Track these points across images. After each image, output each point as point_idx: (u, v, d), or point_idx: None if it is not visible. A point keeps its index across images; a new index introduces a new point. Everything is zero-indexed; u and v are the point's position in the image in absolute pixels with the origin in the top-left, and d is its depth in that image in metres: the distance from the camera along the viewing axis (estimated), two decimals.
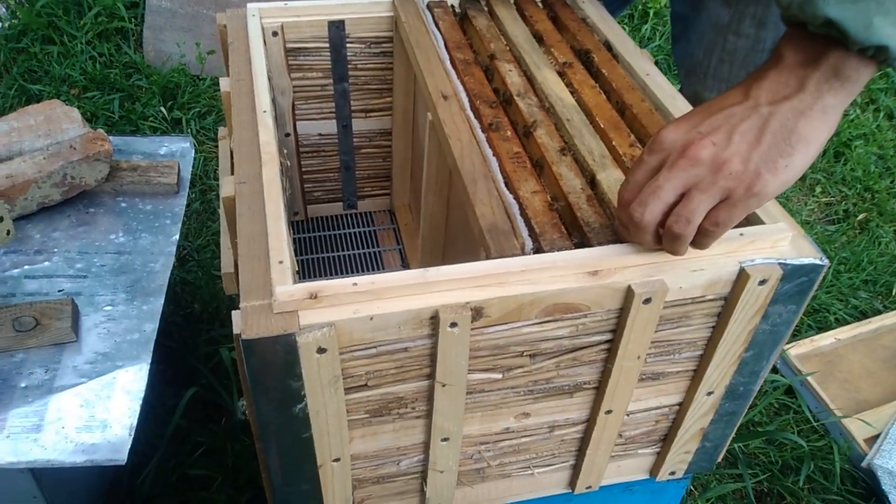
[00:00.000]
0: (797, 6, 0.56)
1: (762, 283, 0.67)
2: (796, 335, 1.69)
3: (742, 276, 0.67)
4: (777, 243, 0.69)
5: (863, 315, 1.76)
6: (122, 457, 0.81)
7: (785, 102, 0.57)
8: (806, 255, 0.68)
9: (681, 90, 1.26)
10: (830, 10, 0.53)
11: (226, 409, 1.37)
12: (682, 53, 1.17)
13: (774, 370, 1.61)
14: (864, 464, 1.43)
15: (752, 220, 0.72)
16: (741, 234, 0.68)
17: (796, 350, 1.62)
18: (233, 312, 0.62)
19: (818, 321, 1.74)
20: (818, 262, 0.68)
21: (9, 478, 0.89)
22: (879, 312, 1.76)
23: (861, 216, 2.05)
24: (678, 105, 0.84)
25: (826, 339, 1.65)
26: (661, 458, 0.88)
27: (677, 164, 0.58)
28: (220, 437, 1.33)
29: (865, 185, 2.14)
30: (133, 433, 0.83)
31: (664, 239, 0.62)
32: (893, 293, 1.83)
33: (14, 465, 0.80)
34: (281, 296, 0.60)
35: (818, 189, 2.14)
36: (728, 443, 0.89)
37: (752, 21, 1.02)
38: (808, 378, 1.56)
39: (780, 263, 0.67)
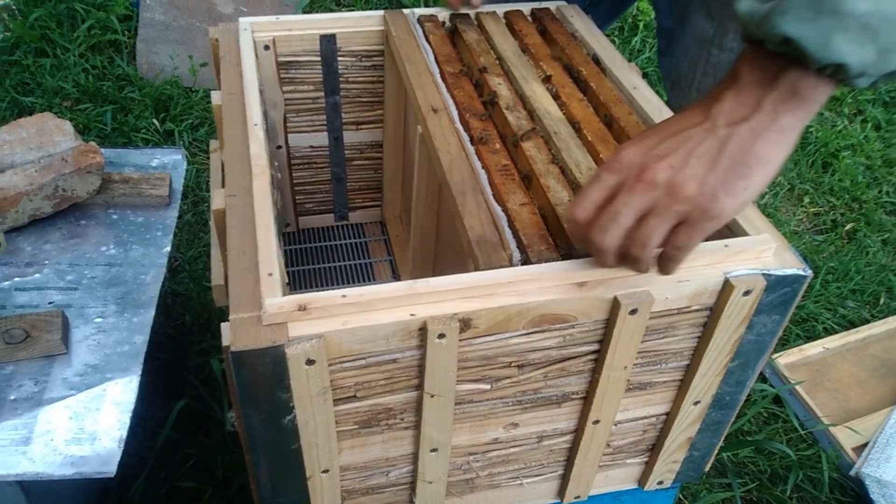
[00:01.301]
0: (755, 24, 0.56)
1: (746, 293, 0.68)
2: (784, 344, 1.70)
3: (727, 287, 0.68)
4: (761, 254, 0.70)
5: (851, 324, 1.78)
6: (111, 469, 0.81)
7: (742, 124, 0.57)
8: (789, 265, 0.69)
9: (667, 103, 1.27)
10: (789, 27, 0.53)
11: (216, 421, 1.37)
12: (667, 66, 1.18)
13: (763, 379, 1.62)
14: (852, 472, 1.43)
15: (736, 231, 0.73)
16: (726, 246, 0.69)
17: (785, 359, 1.63)
18: (222, 324, 0.62)
19: (806, 330, 1.75)
20: (801, 272, 0.69)
21: None
22: (867, 322, 1.77)
23: (849, 226, 2.07)
24: (665, 117, 0.85)
25: (814, 349, 1.67)
26: (649, 467, 0.88)
27: (634, 188, 0.58)
28: (210, 450, 1.33)
29: (853, 196, 2.16)
30: (122, 446, 0.83)
31: (625, 259, 0.62)
32: (881, 303, 1.84)
33: (3, 478, 0.80)
34: (270, 308, 0.61)
35: (806, 199, 2.16)
36: (715, 452, 0.89)
37: (736, 35, 1.04)
38: (797, 387, 1.57)
39: (763, 274, 0.68)
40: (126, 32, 2.31)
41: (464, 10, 1.07)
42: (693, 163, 0.57)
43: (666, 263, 0.62)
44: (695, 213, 0.58)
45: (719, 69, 1.08)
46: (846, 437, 1.48)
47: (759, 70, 0.57)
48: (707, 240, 0.70)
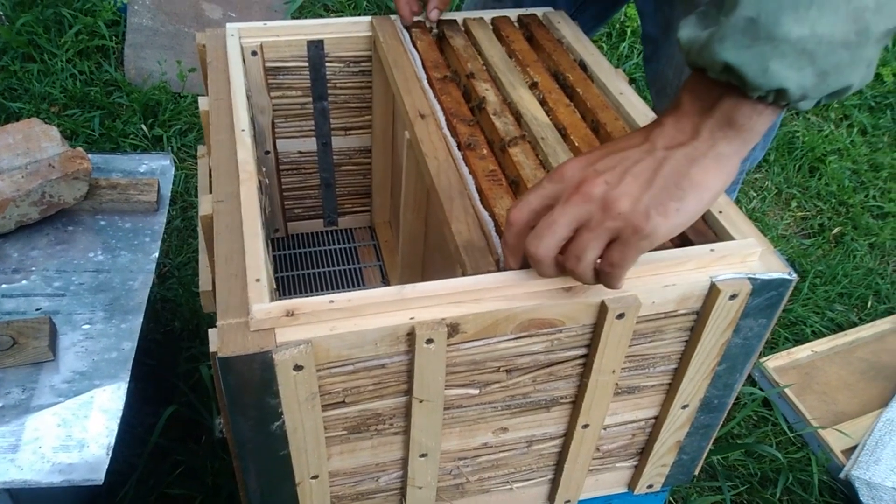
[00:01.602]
0: (696, 51, 0.56)
1: (733, 297, 0.69)
2: (773, 347, 1.71)
3: (713, 291, 0.69)
4: (747, 258, 0.70)
5: (839, 328, 1.79)
6: (99, 477, 0.81)
7: (679, 148, 0.58)
8: (775, 269, 0.70)
9: (653, 109, 1.28)
10: (727, 54, 0.54)
11: (205, 428, 1.37)
12: (652, 74, 1.19)
13: (752, 383, 1.63)
14: (842, 475, 1.44)
15: (721, 236, 0.74)
16: (711, 250, 0.69)
17: (773, 362, 1.64)
18: (209, 330, 0.62)
19: (795, 334, 1.76)
20: (787, 276, 0.70)
21: None
22: (855, 325, 1.79)
23: (836, 230, 2.09)
24: None
25: (803, 352, 1.68)
26: (638, 471, 0.89)
27: (571, 199, 0.59)
28: (199, 456, 1.32)
29: (840, 200, 2.18)
30: (111, 453, 0.82)
31: (563, 272, 0.63)
32: (869, 306, 1.86)
33: None
34: (258, 314, 0.61)
35: (794, 203, 2.17)
36: (704, 455, 0.90)
37: None
38: (786, 390, 1.57)
39: (749, 278, 0.69)
40: (114, 38, 2.31)
41: (419, 19, 1.07)
42: (628, 181, 0.58)
43: (605, 280, 0.62)
44: (626, 230, 0.58)
45: None
46: (835, 440, 1.49)
47: (699, 99, 0.58)
48: (692, 244, 0.71)
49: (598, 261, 0.61)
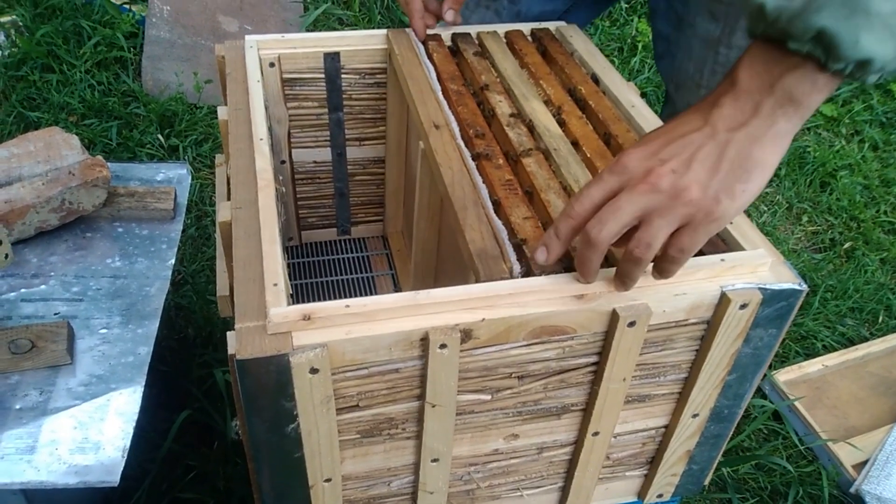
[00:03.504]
0: (785, 20, 0.56)
1: (743, 307, 0.69)
2: (784, 361, 1.71)
3: (724, 301, 0.69)
4: (757, 269, 0.71)
5: (850, 342, 1.79)
6: (114, 478, 0.82)
7: (741, 129, 0.59)
8: (785, 280, 0.71)
9: (664, 106, 1.29)
10: (827, 23, 0.54)
11: (218, 433, 1.38)
12: (668, 69, 1.20)
13: (763, 396, 1.63)
14: (852, 489, 1.44)
15: (732, 246, 0.74)
16: (722, 260, 0.70)
17: (784, 376, 1.64)
18: (228, 333, 0.63)
19: (806, 348, 1.76)
20: (797, 287, 0.70)
21: (1, 499, 0.90)
22: (866, 339, 1.78)
23: (847, 245, 2.08)
24: None
25: (814, 366, 1.67)
26: (648, 480, 0.89)
27: (638, 188, 0.60)
28: (211, 461, 1.33)
29: (851, 215, 2.18)
30: (126, 455, 0.84)
31: (622, 263, 0.63)
32: (880, 321, 1.85)
33: (7, 486, 0.81)
34: (275, 317, 0.62)
35: (805, 218, 2.17)
36: (714, 465, 0.90)
37: (744, 33, 1.05)
38: (797, 403, 1.57)
39: (760, 288, 0.69)
40: (132, 49, 2.34)
41: (435, 31, 1.09)
42: (695, 167, 0.59)
43: (667, 266, 0.63)
44: (698, 215, 0.59)
45: (728, 67, 1.10)
46: (846, 454, 1.49)
47: (757, 76, 0.59)
48: (703, 254, 0.72)
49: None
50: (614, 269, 0.67)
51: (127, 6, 2.41)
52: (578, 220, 0.63)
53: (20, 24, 2.33)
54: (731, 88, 0.60)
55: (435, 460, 0.75)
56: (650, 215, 0.60)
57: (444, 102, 0.95)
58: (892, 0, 0.53)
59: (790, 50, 0.57)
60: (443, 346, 0.64)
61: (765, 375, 1.59)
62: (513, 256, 0.73)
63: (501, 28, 1.11)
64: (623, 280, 0.65)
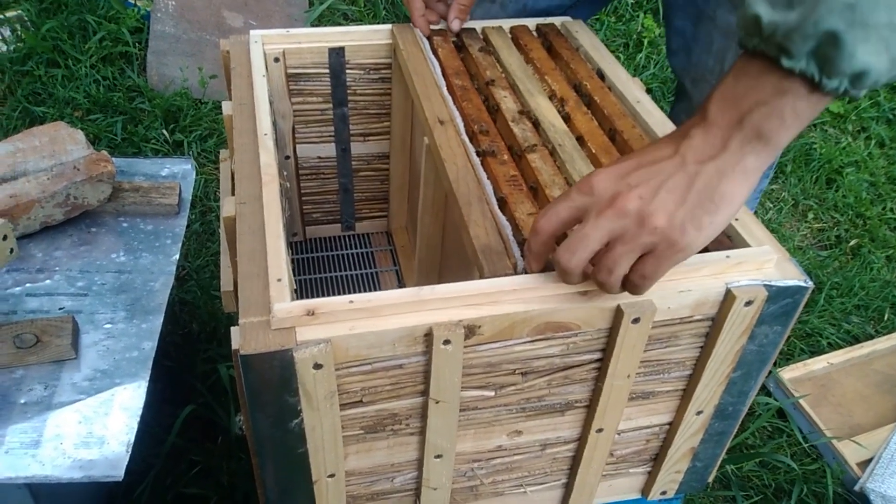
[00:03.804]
0: (783, 34, 0.55)
1: (748, 304, 0.69)
2: (789, 359, 1.70)
3: (728, 298, 0.69)
4: (763, 265, 0.71)
5: (855, 340, 1.78)
6: (118, 473, 0.82)
7: (710, 162, 0.59)
8: (791, 277, 0.70)
9: (675, 102, 1.28)
10: (830, 27, 0.54)
11: (222, 428, 1.38)
12: (685, 64, 1.20)
13: (767, 393, 1.63)
14: (856, 487, 1.43)
15: (737, 243, 0.74)
16: (727, 257, 0.70)
17: (789, 374, 1.63)
18: (232, 328, 0.63)
19: (811, 345, 1.75)
20: (803, 284, 0.70)
21: (5, 493, 0.90)
22: (872, 337, 1.78)
23: (853, 242, 2.08)
24: (667, 131, 0.86)
25: (819, 364, 1.67)
26: (652, 477, 0.89)
27: (604, 213, 0.60)
28: (215, 456, 1.34)
29: (857, 212, 2.17)
30: (130, 450, 0.84)
31: (594, 281, 0.64)
32: (885, 318, 1.85)
33: (12, 480, 0.81)
34: (279, 312, 0.62)
35: (811, 215, 2.16)
36: (718, 463, 0.90)
37: None
38: (801, 401, 1.57)
39: (765, 285, 0.69)
40: (137, 44, 2.34)
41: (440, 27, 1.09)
42: (662, 195, 0.59)
43: (632, 290, 0.64)
44: (662, 244, 0.59)
45: None
46: (851, 452, 1.48)
47: (728, 110, 0.59)
48: (708, 251, 0.72)
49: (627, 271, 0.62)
50: None
51: (132, 1, 2.41)
52: (546, 237, 0.64)
53: (25, 18, 2.33)
54: (702, 121, 0.60)
55: (438, 456, 0.75)
56: (614, 242, 0.60)
57: (449, 98, 0.95)
58: (888, 12, 0.53)
59: (783, 68, 0.56)
60: (446, 342, 0.64)
61: (769, 373, 1.58)
62: (517, 252, 0.73)
63: (506, 23, 1.10)
64: (604, 290, 0.65)
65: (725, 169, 0.59)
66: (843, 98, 0.58)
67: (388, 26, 1.10)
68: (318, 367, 0.62)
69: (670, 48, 1.23)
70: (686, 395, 0.79)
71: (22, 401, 0.88)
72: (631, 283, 0.62)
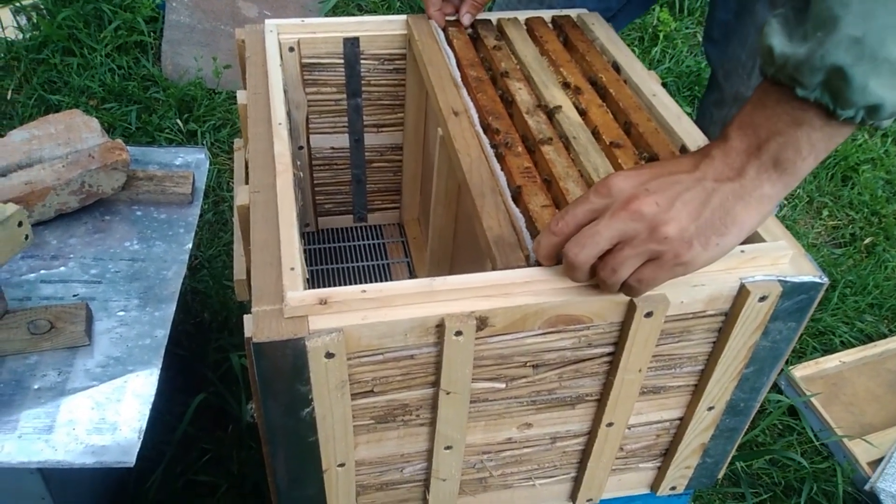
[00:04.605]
0: (793, 66, 0.56)
1: (762, 299, 0.69)
2: (801, 357, 1.69)
3: (742, 293, 0.69)
4: (777, 261, 0.70)
5: (868, 339, 1.77)
6: (130, 459, 0.83)
7: (728, 183, 0.60)
8: (806, 273, 0.70)
9: (707, 93, 1.27)
10: (835, 61, 0.54)
11: (233, 417, 1.39)
12: (720, 55, 1.20)
13: (778, 391, 1.62)
14: (867, 487, 1.42)
15: (753, 237, 0.74)
16: (742, 252, 0.69)
17: (801, 371, 1.62)
18: (244, 316, 0.63)
19: (823, 343, 1.74)
20: (818, 280, 0.69)
21: (18, 478, 0.91)
22: (885, 336, 1.76)
23: (868, 240, 2.06)
24: (683, 125, 0.86)
25: (831, 362, 1.66)
26: (661, 472, 0.89)
27: (618, 214, 0.60)
28: (226, 445, 1.34)
29: (872, 210, 2.15)
30: (142, 436, 0.84)
31: (596, 278, 0.64)
32: None
33: (25, 465, 0.82)
34: (292, 301, 0.62)
35: (825, 212, 2.15)
36: (729, 459, 0.89)
37: None
38: (812, 400, 1.56)
39: (780, 280, 0.69)
40: (152, 34, 2.35)
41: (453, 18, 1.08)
42: (678, 206, 0.59)
43: (627, 291, 0.64)
44: (668, 254, 0.60)
45: None
46: (862, 451, 1.47)
47: (747, 137, 0.59)
48: None
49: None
50: None
51: None
52: (560, 238, 0.64)
53: (41, 7, 2.34)
54: (723, 143, 0.61)
55: (448, 447, 0.76)
56: (622, 244, 0.60)
57: (464, 89, 0.95)
58: None
59: (798, 97, 0.56)
60: (458, 333, 0.64)
61: (781, 370, 1.57)
62: (530, 244, 0.73)
63: (522, 15, 1.10)
64: (602, 289, 0.66)
65: (742, 193, 0.59)
66: (866, 128, 0.58)
67: (403, 17, 1.10)
68: (329, 356, 0.62)
69: (709, 36, 1.23)
70: (698, 390, 0.79)
71: (36, 386, 0.88)
72: (627, 286, 0.63)
